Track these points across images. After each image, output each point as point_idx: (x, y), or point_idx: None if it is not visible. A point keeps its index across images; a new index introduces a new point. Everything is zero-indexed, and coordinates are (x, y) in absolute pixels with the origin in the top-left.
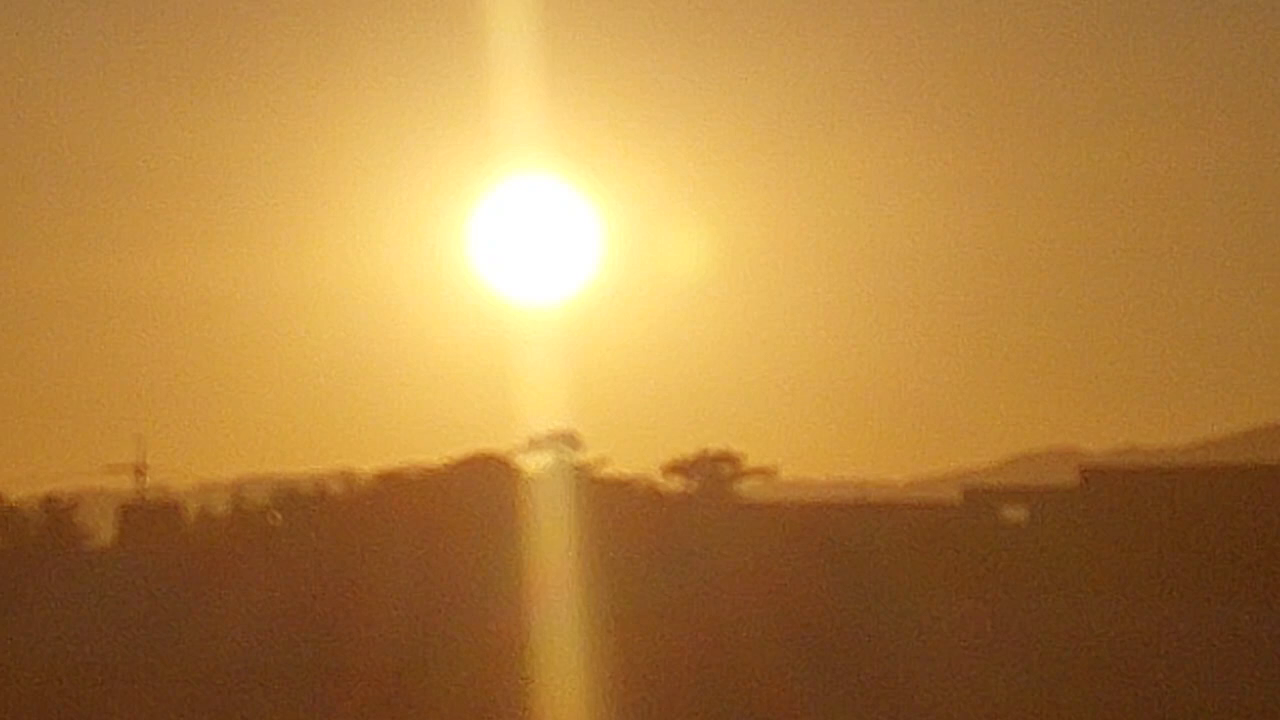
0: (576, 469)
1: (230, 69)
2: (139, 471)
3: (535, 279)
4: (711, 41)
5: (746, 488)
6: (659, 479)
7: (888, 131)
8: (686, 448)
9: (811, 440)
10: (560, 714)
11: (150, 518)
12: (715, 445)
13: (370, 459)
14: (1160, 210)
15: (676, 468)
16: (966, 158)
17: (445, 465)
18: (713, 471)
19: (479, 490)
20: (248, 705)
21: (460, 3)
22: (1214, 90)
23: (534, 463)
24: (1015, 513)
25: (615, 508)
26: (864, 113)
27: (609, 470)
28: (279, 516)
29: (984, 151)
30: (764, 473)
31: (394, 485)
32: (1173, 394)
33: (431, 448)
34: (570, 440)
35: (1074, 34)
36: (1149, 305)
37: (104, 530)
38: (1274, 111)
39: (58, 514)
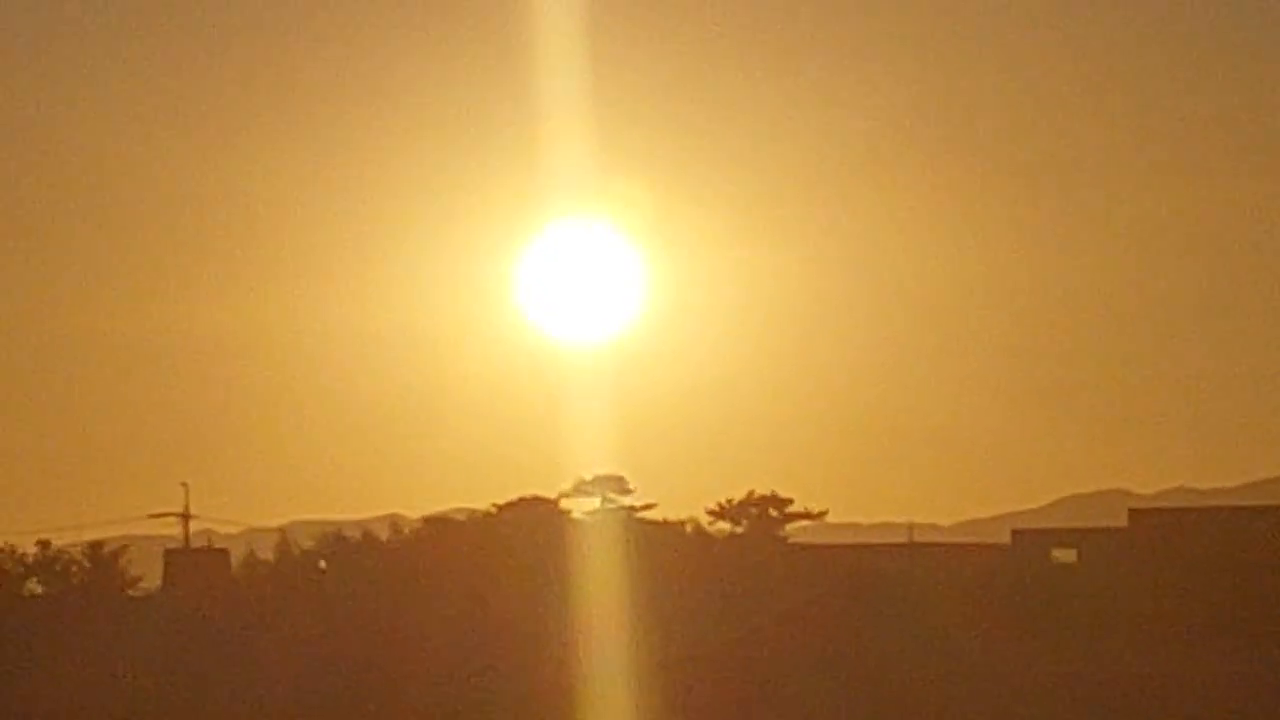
0: (624, 513)
1: (284, 117)
2: (185, 517)
3: (581, 321)
4: (757, 85)
5: (794, 530)
6: (706, 522)
7: (935, 173)
8: (734, 491)
9: (859, 483)
10: None
11: (196, 563)
12: (762, 488)
13: (418, 504)
14: (1212, 253)
15: (724, 511)
16: (1016, 200)
17: (493, 510)
18: (760, 514)
19: (527, 535)
20: None
21: (508, 52)
22: (1267, 135)
23: (582, 507)
24: (1064, 554)
25: (663, 551)
26: (911, 155)
27: (656, 513)
28: (324, 564)
29: (1033, 195)
30: (812, 516)
31: (441, 530)
32: (1224, 434)
33: (479, 492)
34: (618, 484)
35: (1124, 81)
36: (1200, 346)
37: (150, 576)
38: None
39: (103, 560)
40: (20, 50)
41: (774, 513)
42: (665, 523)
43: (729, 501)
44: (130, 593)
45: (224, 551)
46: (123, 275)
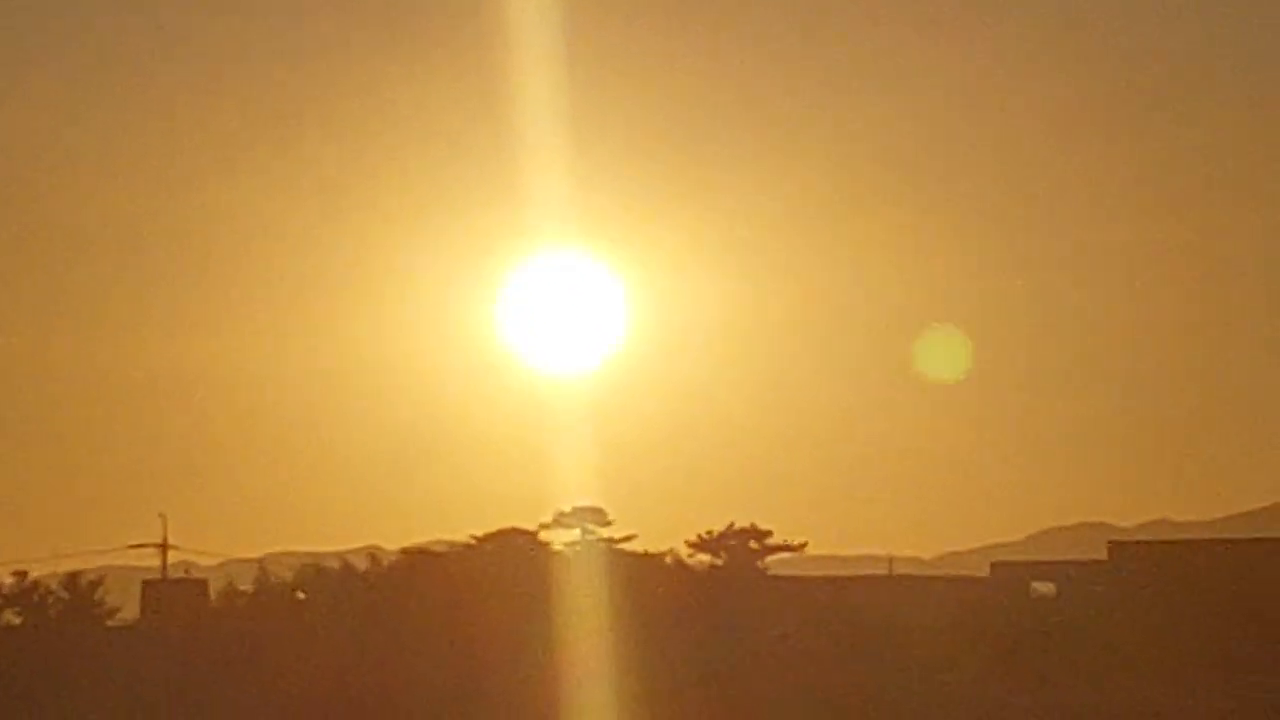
0: (604, 544)
1: (266, 156)
2: (164, 548)
3: (562, 352)
4: (739, 117)
5: (774, 562)
6: (686, 554)
7: (917, 204)
8: (714, 522)
9: (840, 515)
10: None
11: (174, 594)
12: (742, 520)
13: (396, 536)
14: (1193, 286)
15: (704, 543)
16: (997, 232)
17: (472, 541)
18: (740, 546)
19: (506, 566)
20: None
21: (487, 89)
22: (1253, 161)
23: (561, 538)
24: (1043, 586)
25: (643, 583)
26: (895, 184)
27: (636, 545)
28: (303, 595)
29: (1015, 226)
30: (792, 548)
31: (421, 561)
32: (1203, 468)
33: (458, 523)
34: (597, 516)
35: (1101, 106)
36: (1181, 379)
37: (129, 607)
38: None
39: (81, 590)
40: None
41: (754, 545)
42: (645, 554)
43: (709, 533)
44: (108, 623)
45: (202, 582)
46: (102, 309)
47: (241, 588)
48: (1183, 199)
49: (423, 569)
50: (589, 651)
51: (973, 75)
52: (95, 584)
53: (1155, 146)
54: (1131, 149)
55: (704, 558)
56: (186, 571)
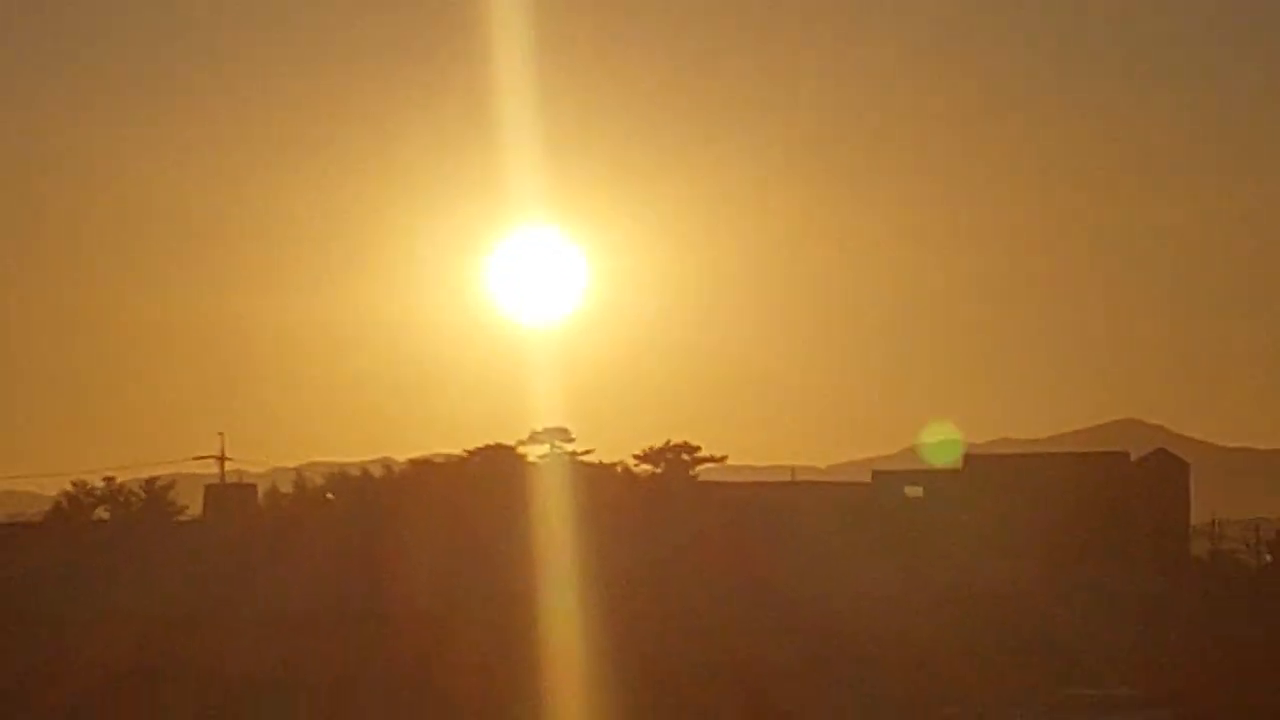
0: (568, 457)
1: (298, 145)
2: (221, 459)
3: (537, 306)
4: (682, 111)
5: (702, 471)
6: (633, 464)
7: (827, 178)
8: (655, 439)
9: (754, 433)
10: (560, 646)
11: (230, 496)
12: (677, 438)
13: (406, 449)
14: (1036, 237)
15: (646, 456)
16: (892, 202)
17: (465, 454)
18: (675, 459)
19: (492, 474)
20: (309, 645)
21: (478, 95)
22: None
23: (535, 452)
24: (914, 490)
25: (598, 488)
26: (809, 166)
27: (594, 458)
28: (332, 496)
29: (911, 196)
30: (715, 460)
31: (424, 470)
32: (1039, 393)
33: (454, 440)
34: (563, 434)
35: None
36: (1021, 319)
37: (193, 506)
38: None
39: (156, 493)
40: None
41: (686, 457)
42: (600, 465)
43: (651, 448)
44: (178, 519)
45: (252, 486)
46: (172, 271)
47: (283, 490)
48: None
49: (426, 476)
50: (557, 541)
51: (912, 51)
52: (167, 487)
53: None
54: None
55: (646, 468)
56: (240, 478)
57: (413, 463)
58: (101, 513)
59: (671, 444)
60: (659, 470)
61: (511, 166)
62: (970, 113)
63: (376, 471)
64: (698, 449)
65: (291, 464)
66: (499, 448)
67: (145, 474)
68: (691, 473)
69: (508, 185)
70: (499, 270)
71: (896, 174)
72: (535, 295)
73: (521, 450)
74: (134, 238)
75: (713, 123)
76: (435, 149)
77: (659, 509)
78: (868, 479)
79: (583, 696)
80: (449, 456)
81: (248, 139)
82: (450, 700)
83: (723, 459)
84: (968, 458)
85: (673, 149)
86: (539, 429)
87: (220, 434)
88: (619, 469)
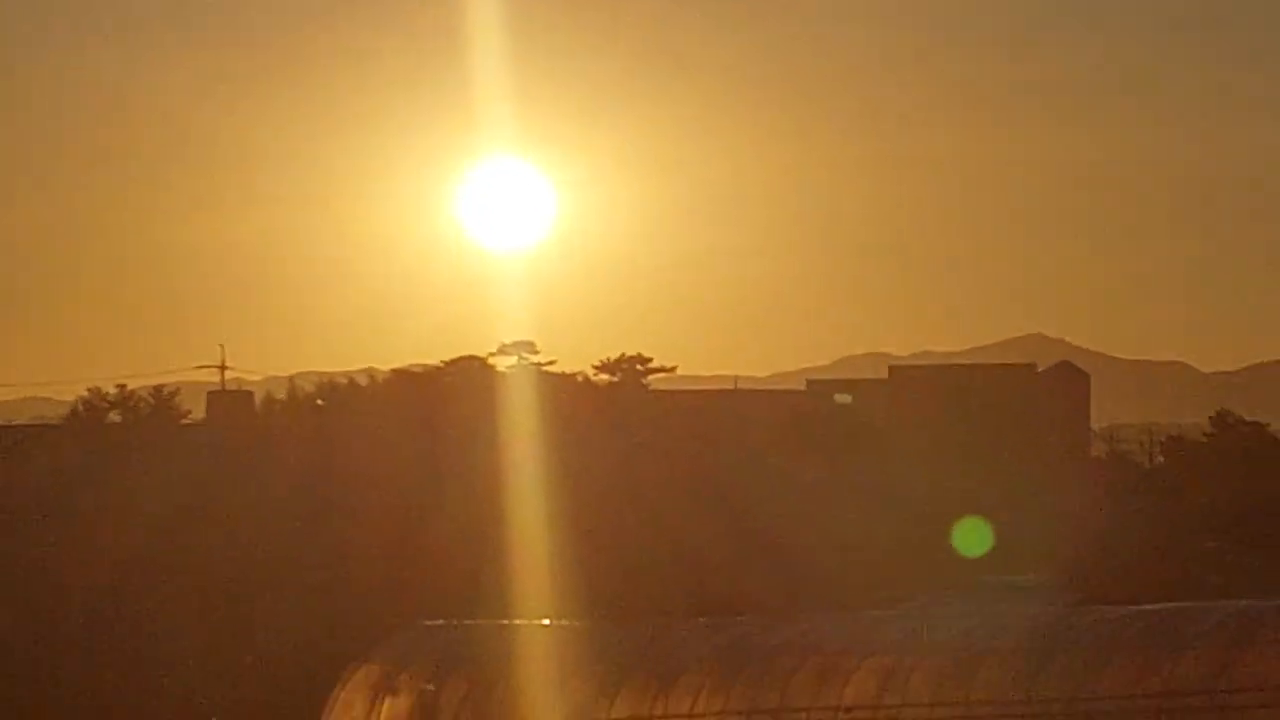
0: (534, 368)
1: (288, 79)
2: (222, 369)
3: (506, 233)
4: (644, 52)
5: (654, 380)
6: (592, 374)
7: (775, 120)
8: (612, 351)
9: (700, 346)
10: (524, 536)
11: (230, 402)
12: (631, 350)
13: (388, 360)
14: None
15: (604, 366)
16: (839, 131)
17: (441, 364)
18: (630, 369)
19: (466, 383)
20: (300, 536)
21: (452, 36)
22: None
23: (503, 363)
24: (843, 398)
25: (561, 396)
26: (759, 106)
27: (556, 368)
28: (322, 402)
29: (859, 129)
30: (666, 370)
31: (405, 379)
32: (956, 311)
33: (431, 351)
34: (529, 347)
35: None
36: (943, 242)
37: (196, 411)
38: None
39: (163, 399)
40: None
41: (639, 368)
42: (562, 375)
43: (608, 359)
44: (182, 422)
45: (250, 393)
46: (176, 194)
47: (278, 397)
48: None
49: (406, 384)
50: (522, 445)
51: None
52: (173, 394)
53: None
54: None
55: (604, 377)
56: (239, 385)
57: (394, 372)
58: (114, 416)
59: (626, 356)
60: (615, 379)
61: (484, 97)
62: (903, 53)
63: (361, 380)
64: (650, 360)
65: (285, 373)
66: (471, 359)
67: (153, 382)
68: (644, 381)
69: (480, 115)
70: (471, 198)
71: (834, 109)
72: (505, 222)
73: (491, 361)
74: (138, 164)
75: (686, 46)
76: (411, 82)
77: (615, 414)
78: (802, 387)
79: (545, 580)
80: (426, 366)
81: (250, 67)
82: (425, 583)
83: (673, 369)
84: (892, 369)
85: (643, 79)
86: (507, 342)
87: (221, 345)
88: (579, 378)
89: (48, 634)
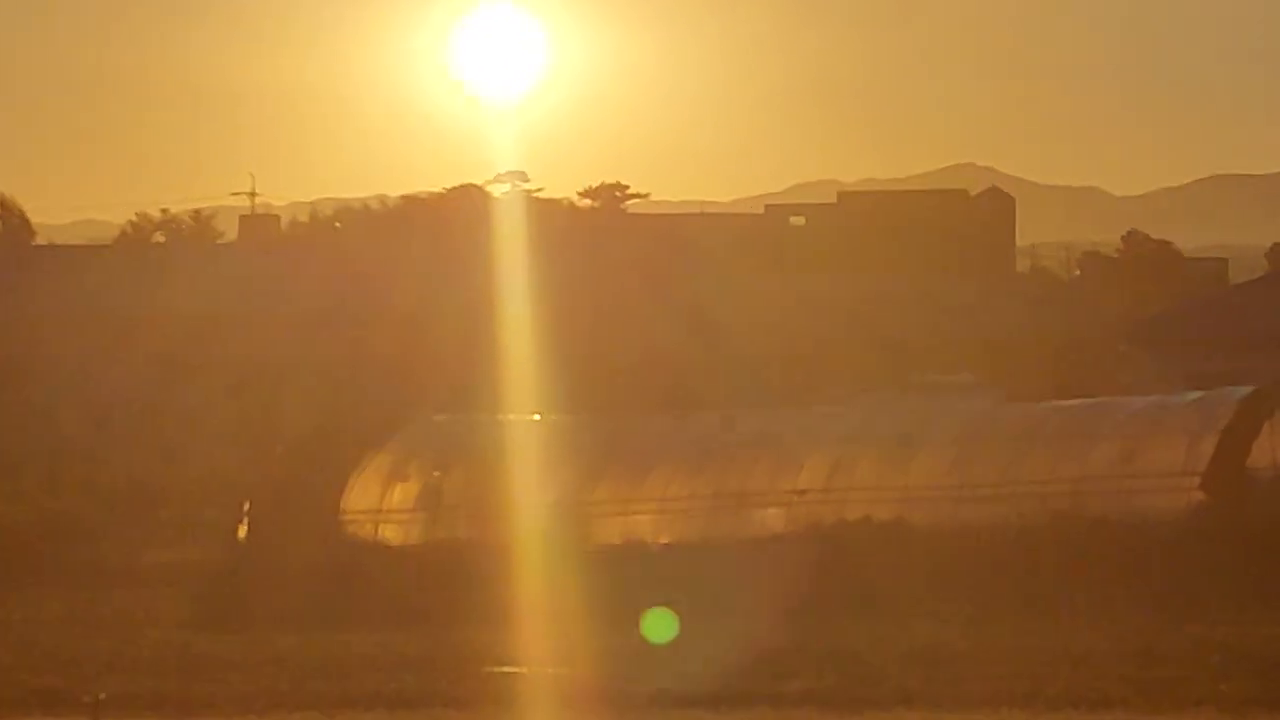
0: (525, 194)
1: None
2: (252, 195)
3: (500, 81)
4: None
5: (631, 205)
6: (576, 199)
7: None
8: (593, 179)
9: (672, 173)
10: (515, 344)
11: (259, 225)
12: (610, 178)
13: (398, 186)
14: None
15: (586, 193)
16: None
17: (444, 191)
18: (609, 195)
19: (466, 208)
20: (320, 340)
21: None
22: None
23: (498, 190)
24: (798, 220)
25: (548, 220)
26: None
27: (545, 195)
28: (339, 225)
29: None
30: (641, 196)
31: (413, 204)
32: (896, 141)
33: (436, 179)
34: (521, 176)
35: None
36: (884, 77)
37: (229, 232)
38: None
39: (201, 221)
40: None
41: (618, 194)
42: (550, 200)
43: (590, 186)
44: (217, 242)
45: (276, 217)
46: (219, 35)
47: (301, 220)
48: None
49: (414, 209)
50: (513, 263)
51: None
52: (210, 217)
53: None
54: None
55: (587, 202)
56: (267, 210)
57: (404, 198)
58: (159, 237)
59: (606, 183)
60: (596, 205)
61: None
62: None
63: (374, 205)
64: (627, 187)
65: (307, 199)
66: (471, 186)
67: (192, 206)
68: (622, 206)
69: None
70: (466, 46)
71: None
72: (500, 69)
73: (488, 189)
74: (169, 11)
75: None
76: None
77: (597, 238)
78: (760, 211)
79: (535, 380)
80: (430, 192)
81: None
82: (426, 381)
83: (646, 195)
84: (840, 194)
85: None
86: (502, 171)
87: (250, 174)
88: (565, 204)
89: (102, 420)
